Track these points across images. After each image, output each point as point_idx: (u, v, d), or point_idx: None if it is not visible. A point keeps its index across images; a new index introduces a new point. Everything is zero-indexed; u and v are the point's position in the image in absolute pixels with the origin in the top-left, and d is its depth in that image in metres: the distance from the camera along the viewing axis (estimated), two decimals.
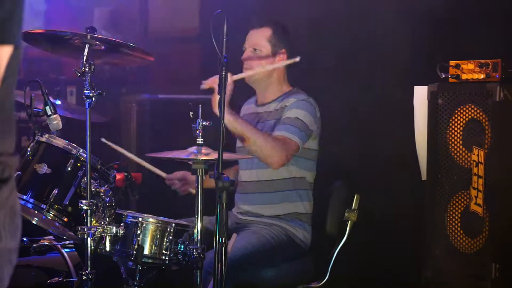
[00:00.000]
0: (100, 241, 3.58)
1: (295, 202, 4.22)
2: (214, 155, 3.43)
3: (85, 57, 3.52)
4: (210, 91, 3.84)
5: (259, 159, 4.05)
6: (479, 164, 3.66)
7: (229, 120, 3.88)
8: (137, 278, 3.63)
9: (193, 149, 3.50)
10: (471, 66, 3.75)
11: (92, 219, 3.52)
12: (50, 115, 3.80)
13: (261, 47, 4.26)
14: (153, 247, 3.60)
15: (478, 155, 3.67)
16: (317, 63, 5.02)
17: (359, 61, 4.94)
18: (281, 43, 4.29)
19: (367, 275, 4.78)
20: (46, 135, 3.81)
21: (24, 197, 3.69)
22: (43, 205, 3.69)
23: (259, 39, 4.28)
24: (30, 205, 3.70)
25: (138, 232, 3.59)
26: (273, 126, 4.19)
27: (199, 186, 3.48)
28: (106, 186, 3.62)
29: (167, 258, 3.60)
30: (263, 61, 4.25)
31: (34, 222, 3.91)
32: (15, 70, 2.02)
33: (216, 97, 3.62)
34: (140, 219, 3.61)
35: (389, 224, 4.74)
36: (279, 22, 4.36)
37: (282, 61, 4.26)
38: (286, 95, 4.29)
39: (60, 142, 3.79)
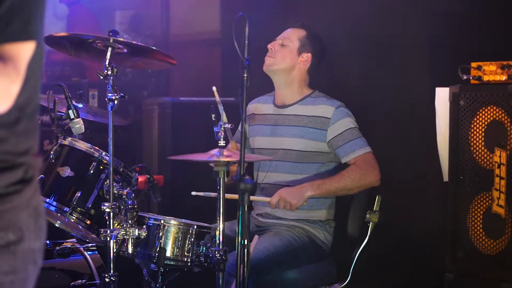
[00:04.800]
0: (122, 243, 3.59)
1: (319, 210, 4.24)
2: (235, 157, 3.43)
3: (107, 60, 3.53)
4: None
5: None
6: (501, 166, 3.64)
7: (313, 194, 4.03)
8: (159, 280, 3.64)
9: (215, 151, 3.51)
10: (493, 67, 3.73)
11: (115, 222, 3.53)
12: (73, 119, 3.83)
13: (289, 42, 4.30)
14: (175, 249, 3.61)
15: (500, 156, 3.65)
16: (336, 64, 5.01)
17: (380, 63, 4.93)
18: (310, 47, 4.31)
19: (389, 276, 4.77)
20: (69, 138, 3.82)
21: (47, 200, 3.71)
22: (66, 208, 3.70)
23: (292, 35, 4.33)
24: (53, 208, 3.72)
25: (160, 234, 3.60)
26: (298, 133, 4.21)
27: (221, 189, 3.49)
28: (128, 188, 3.64)
29: (189, 260, 3.62)
30: (287, 54, 4.28)
31: (57, 225, 3.94)
32: (37, 71, 2.02)
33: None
34: (162, 221, 3.63)
35: (410, 226, 4.73)
36: (314, 28, 4.38)
37: (303, 63, 4.28)
38: (310, 99, 4.29)
39: (82, 145, 3.80)
